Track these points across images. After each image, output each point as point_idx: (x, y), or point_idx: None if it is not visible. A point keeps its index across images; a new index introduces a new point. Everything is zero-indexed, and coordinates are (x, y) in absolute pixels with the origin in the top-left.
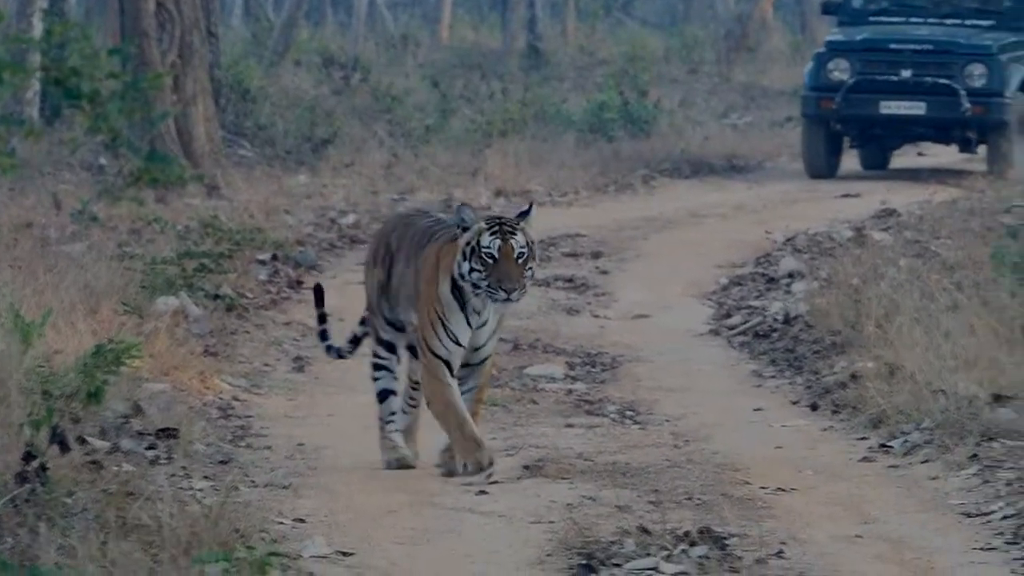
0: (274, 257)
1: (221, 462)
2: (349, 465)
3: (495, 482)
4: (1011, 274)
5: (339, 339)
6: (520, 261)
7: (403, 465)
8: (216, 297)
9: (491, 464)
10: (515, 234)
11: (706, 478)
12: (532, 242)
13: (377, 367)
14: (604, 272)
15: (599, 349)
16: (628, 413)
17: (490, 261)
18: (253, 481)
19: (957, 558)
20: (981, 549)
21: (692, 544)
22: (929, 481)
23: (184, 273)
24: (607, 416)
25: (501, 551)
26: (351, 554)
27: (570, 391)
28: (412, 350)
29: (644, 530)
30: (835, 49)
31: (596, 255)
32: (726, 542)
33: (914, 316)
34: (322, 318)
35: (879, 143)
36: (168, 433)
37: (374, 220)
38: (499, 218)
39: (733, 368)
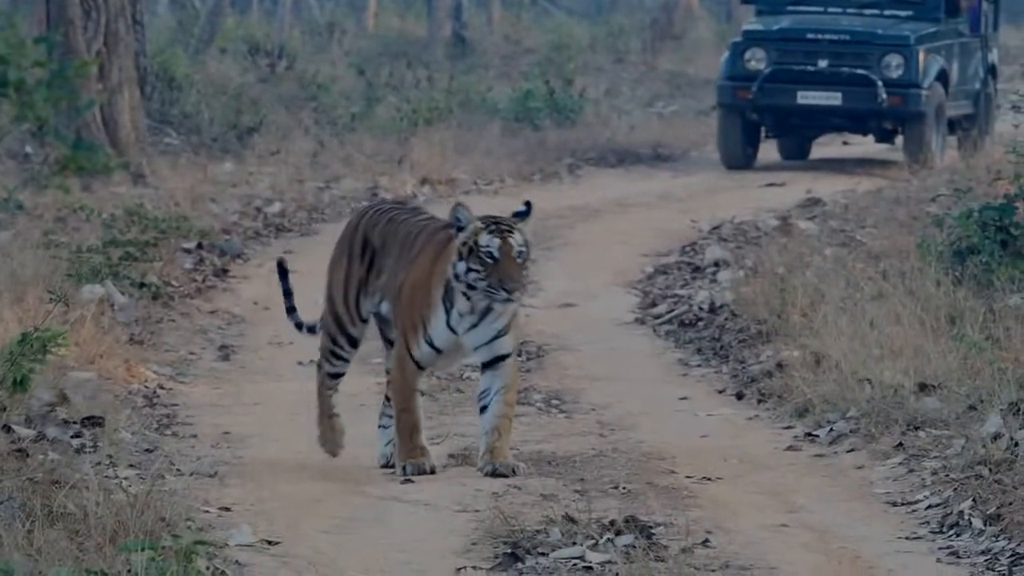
0: (199, 246)
1: (147, 451)
2: (275, 454)
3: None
4: (936, 263)
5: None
6: (519, 260)
7: (334, 432)
8: (142, 286)
9: (432, 471)
10: (513, 233)
11: (632, 467)
12: (528, 242)
13: (336, 356)
14: (530, 261)
15: (525, 338)
16: (554, 402)
17: (490, 261)
18: (179, 470)
19: (882, 547)
20: (906, 538)
21: (618, 533)
22: (855, 470)
23: (110, 261)
24: (533, 405)
25: (427, 540)
26: (277, 543)
27: None
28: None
29: (570, 519)
30: (752, 38)
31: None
32: (652, 531)
33: (840, 305)
34: (288, 293)
35: (796, 133)
36: (94, 421)
37: (300, 208)
38: (495, 217)
39: (659, 357)
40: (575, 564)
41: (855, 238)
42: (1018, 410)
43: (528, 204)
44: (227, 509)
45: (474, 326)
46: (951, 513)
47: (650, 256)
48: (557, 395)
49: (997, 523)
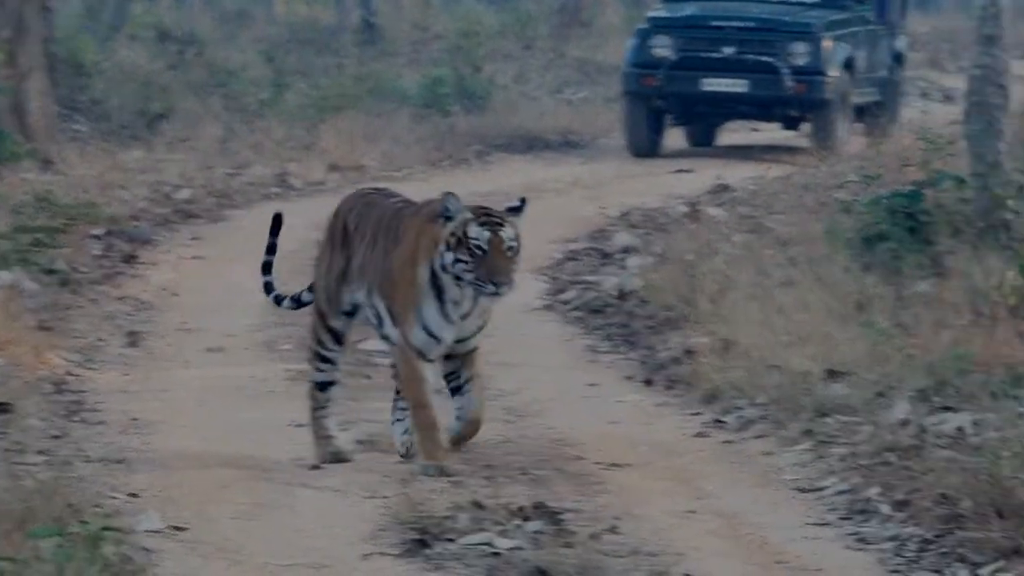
0: (108, 232)
1: (55, 437)
2: (183, 440)
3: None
4: (845, 250)
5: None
6: (509, 254)
7: (338, 459)
8: (50, 272)
9: (452, 474)
10: (503, 226)
11: (541, 453)
12: (519, 236)
13: (322, 358)
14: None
15: None
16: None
17: (479, 253)
18: (87, 456)
19: (790, 533)
20: (814, 524)
21: (526, 519)
22: (763, 456)
23: (18, 247)
24: (442, 392)
25: (335, 526)
26: (185, 529)
27: None
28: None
29: (478, 505)
30: (658, 25)
31: None
32: (560, 517)
33: (748, 292)
34: (271, 248)
35: (702, 121)
36: (2, 408)
37: (209, 195)
38: (487, 209)
39: (568, 343)
40: (483, 550)
41: (764, 224)
42: (926, 396)
43: (523, 200)
44: (135, 495)
45: (466, 315)
46: (859, 499)
47: (559, 242)
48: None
49: (905, 509)
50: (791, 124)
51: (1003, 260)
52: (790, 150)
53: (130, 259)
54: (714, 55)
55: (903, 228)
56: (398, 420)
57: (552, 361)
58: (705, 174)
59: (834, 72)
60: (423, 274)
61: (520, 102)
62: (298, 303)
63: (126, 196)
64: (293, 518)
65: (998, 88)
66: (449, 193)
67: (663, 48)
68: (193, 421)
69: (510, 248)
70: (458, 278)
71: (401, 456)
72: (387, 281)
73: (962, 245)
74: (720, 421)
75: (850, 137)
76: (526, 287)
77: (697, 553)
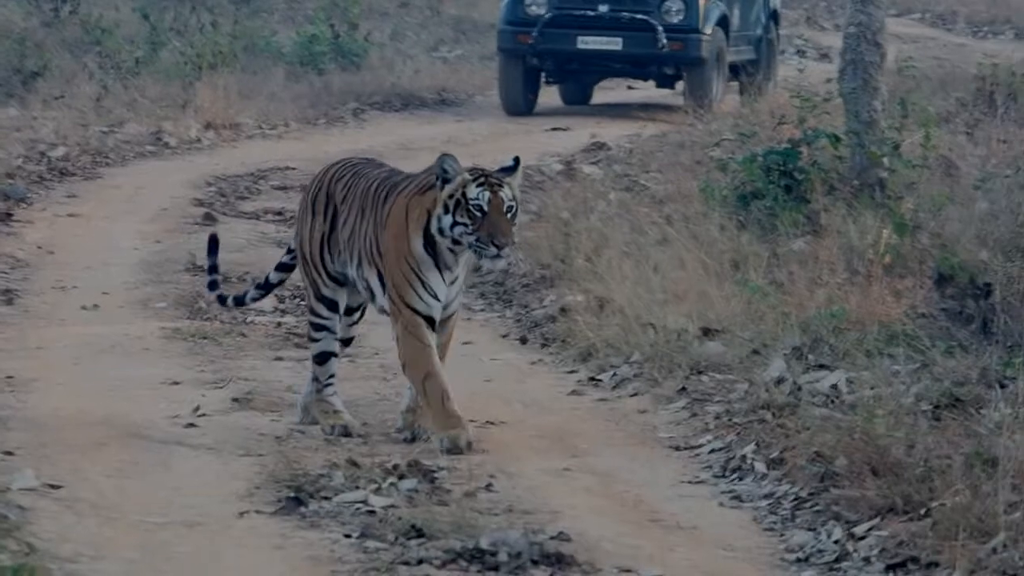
0: None
1: None
2: (58, 398)
3: (202, 415)
4: (720, 208)
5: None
6: (509, 215)
7: (345, 432)
8: None
9: (468, 446)
10: (503, 186)
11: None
12: (517, 197)
13: (317, 327)
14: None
15: (296, 283)
16: None
17: (478, 214)
18: None
19: (665, 491)
20: (689, 482)
21: (401, 477)
22: (638, 415)
23: None
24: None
25: (210, 484)
26: (60, 487)
27: (279, 324)
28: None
29: (353, 463)
30: None
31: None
32: (435, 475)
33: (624, 250)
34: (213, 269)
35: (577, 79)
36: None
37: (83, 152)
38: (483, 170)
39: None
40: (358, 508)
41: (639, 182)
42: (801, 354)
43: (516, 159)
44: (10, 453)
45: (454, 281)
46: (734, 457)
47: None
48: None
49: (780, 467)
50: (666, 82)
51: (878, 218)
52: (666, 108)
53: (5, 217)
54: (589, 13)
55: (778, 186)
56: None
57: None
58: (581, 132)
59: (709, 30)
60: (417, 245)
61: (396, 60)
62: (265, 288)
63: (0, 154)
64: (168, 476)
65: (873, 46)
66: (445, 154)
67: (538, 5)
68: (68, 379)
69: (509, 208)
70: (456, 242)
71: (405, 439)
72: (379, 254)
73: (837, 203)
74: (595, 379)
75: (725, 95)
76: None
77: (572, 511)
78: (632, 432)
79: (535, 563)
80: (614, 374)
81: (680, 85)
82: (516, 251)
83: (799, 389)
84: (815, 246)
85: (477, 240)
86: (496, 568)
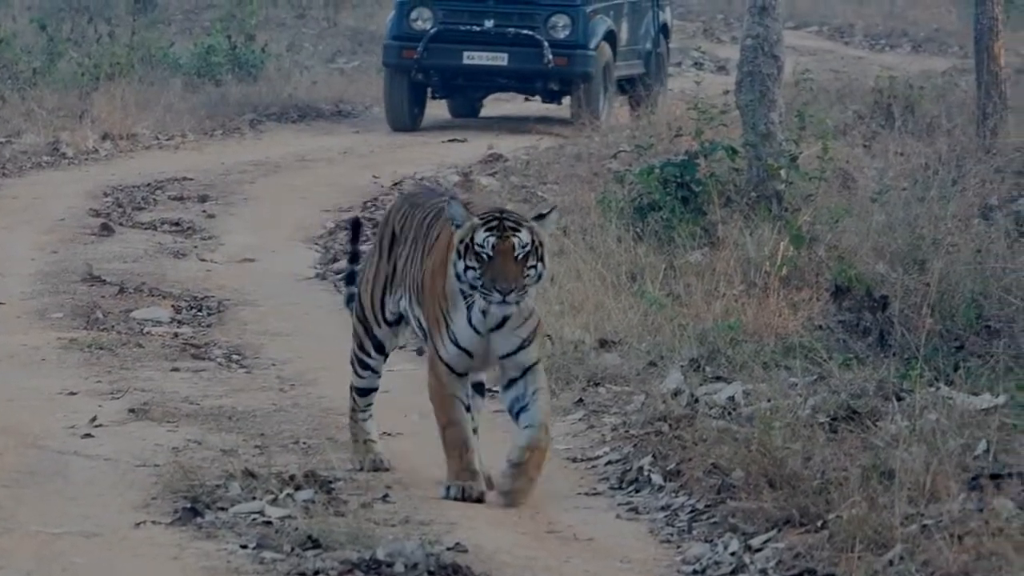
0: None
1: None
2: None
3: (99, 425)
4: (617, 219)
5: None
6: (519, 259)
7: (376, 467)
8: None
9: (478, 500)
10: (518, 230)
11: (312, 422)
12: (540, 243)
13: (363, 365)
14: (211, 216)
15: (205, 293)
16: (234, 357)
17: (484, 258)
18: None
19: (562, 503)
20: (587, 494)
21: (298, 488)
22: None
23: None
24: (213, 360)
25: (106, 495)
26: None
27: (176, 335)
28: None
29: (250, 474)
30: None
31: (203, 199)
32: (332, 486)
33: None
34: (354, 257)
35: (463, 93)
36: None
37: None
38: (500, 212)
39: (339, 312)
40: (255, 519)
41: (536, 194)
42: (698, 366)
43: (553, 207)
44: None
45: (497, 328)
46: (631, 469)
47: (331, 212)
48: (237, 350)
49: (676, 479)
50: (553, 97)
51: (775, 230)
52: (561, 121)
53: None
54: (474, 28)
55: (675, 198)
56: None
57: (324, 330)
58: (478, 143)
59: (595, 45)
60: (452, 283)
61: (293, 71)
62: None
63: None
64: (65, 486)
65: (771, 58)
66: (452, 198)
67: (423, 20)
68: None
69: (520, 253)
70: (471, 287)
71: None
72: (421, 290)
73: (734, 215)
74: (491, 390)
75: (612, 110)
76: (298, 256)
77: (469, 522)
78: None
79: (431, 574)
80: None
81: (567, 100)
82: (526, 297)
83: (696, 401)
84: (712, 258)
85: (482, 285)
86: None
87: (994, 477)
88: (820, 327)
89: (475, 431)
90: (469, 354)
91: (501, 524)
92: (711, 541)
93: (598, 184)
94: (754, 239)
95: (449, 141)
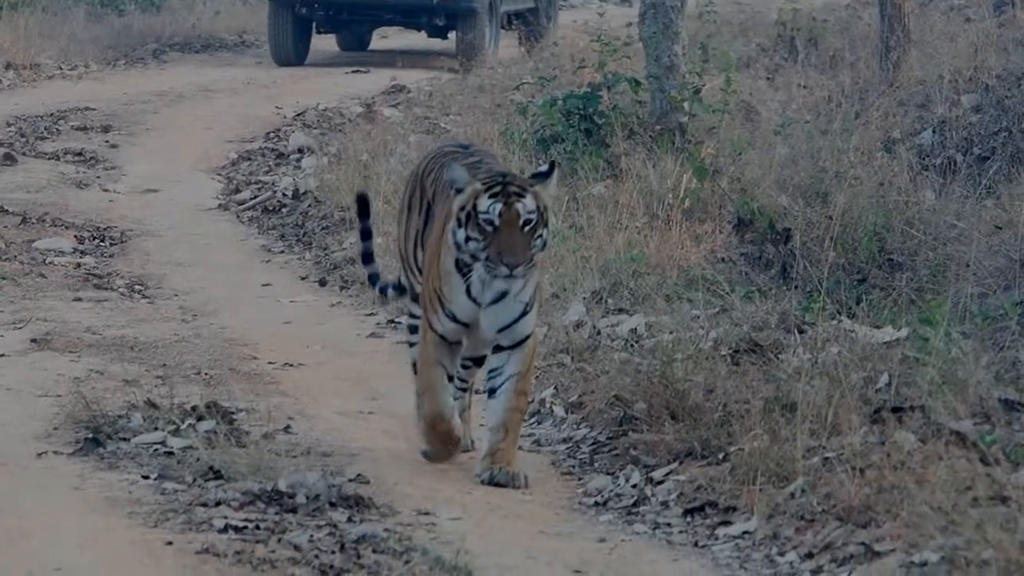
0: None
1: None
2: None
3: (2, 355)
4: (520, 151)
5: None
6: (526, 229)
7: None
8: None
9: (446, 458)
10: (523, 196)
11: (214, 353)
12: (544, 207)
13: (414, 329)
14: (114, 146)
15: (108, 223)
16: (137, 288)
17: (489, 229)
18: None
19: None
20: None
21: (199, 419)
22: None
23: None
24: (116, 290)
25: (8, 425)
26: None
27: (79, 265)
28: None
29: (152, 404)
30: None
31: (106, 129)
32: (234, 417)
33: None
34: (366, 232)
35: (348, 28)
36: None
37: None
38: (503, 176)
39: (242, 243)
40: (156, 449)
41: (439, 125)
42: (600, 299)
43: (552, 164)
44: None
45: (498, 299)
46: (532, 401)
47: (234, 142)
48: (140, 280)
49: (578, 411)
50: (438, 32)
51: (678, 163)
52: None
53: None
54: None
55: (578, 130)
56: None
57: (226, 261)
58: (381, 75)
59: None
60: (448, 259)
61: (196, 2)
62: (400, 289)
63: None
64: None
65: None
66: (452, 161)
67: None
68: None
69: (527, 222)
70: (473, 257)
71: (482, 482)
72: (425, 254)
73: (637, 147)
74: (394, 322)
75: (498, 46)
76: (201, 187)
77: (370, 453)
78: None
79: (333, 505)
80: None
81: (453, 35)
82: (534, 270)
83: (598, 333)
84: (615, 190)
85: (487, 257)
86: (294, 510)
87: (896, 410)
88: (723, 260)
89: (467, 407)
90: (465, 325)
91: (402, 456)
92: (613, 473)
93: (501, 116)
94: (657, 171)
95: (352, 72)
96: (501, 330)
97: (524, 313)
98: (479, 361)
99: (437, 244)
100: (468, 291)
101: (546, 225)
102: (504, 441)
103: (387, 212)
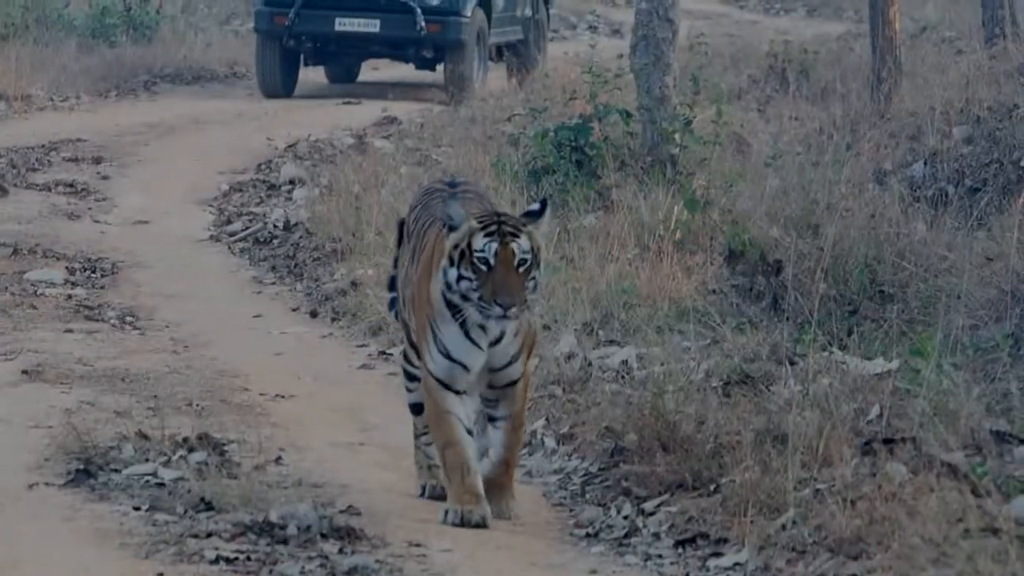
0: None
1: None
2: None
3: None
4: (511, 183)
5: None
6: (521, 270)
7: (436, 495)
8: None
9: (479, 525)
10: (518, 236)
11: (205, 384)
12: (538, 248)
13: (410, 377)
14: (105, 177)
15: (99, 254)
16: (128, 319)
17: (483, 268)
18: None
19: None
20: (480, 457)
21: (191, 450)
22: None
23: None
24: (107, 322)
25: None
26: None
27: (70, 296)
28: None
29: (143, 435)
30: None
31: (97, 160)
32: (225, 448)
33: None
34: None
35: (336, 60)
36: None
37: None
38: (498, 216)
39: (233, 274)
40: (148, 480)
41: (431, 157)
42: (591, 330)
43: (543, 202)
44: None
45: (497, 340)
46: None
47: (226, 174)
48: (131, 312)
49: (570, 442)
50: (426, 64)
51: (669, 194)
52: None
53: None
54: None
55: (570, 161)
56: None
57: (217, 292)
58: (372, 106)
59: (469, 12)
60: (436, 291)
61: (188, 33)
62: None
63: None
64: None
65: (666, 22)
66: (451, 198)
67: None
68: None
69: (522, 262)
70: (464, 298)
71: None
72: (412, 295)
73: (628, 179)
74: (385, 353)
75: (486, 77)
76: (192, 218)
77: (361, 484)
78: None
79: (324, 537)
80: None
81: (441, 67)
82: (528, 310)
83: (589, 364)
84: (606, 222)
85: (480, 298)
86: (285, 541)
87: (887, 442)
88: (714, 291)
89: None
90: (465, 367)
91: (394, 487)
92: (604, 505)
93: (492, 147)
94: (648, 203)
95: (344, 103)
96: (496, 370)
97: (516, 356)
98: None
99: (427, 273)
100: (466, 332)
101: (539, 267)
102: (506, 475)
103: (378, 244)
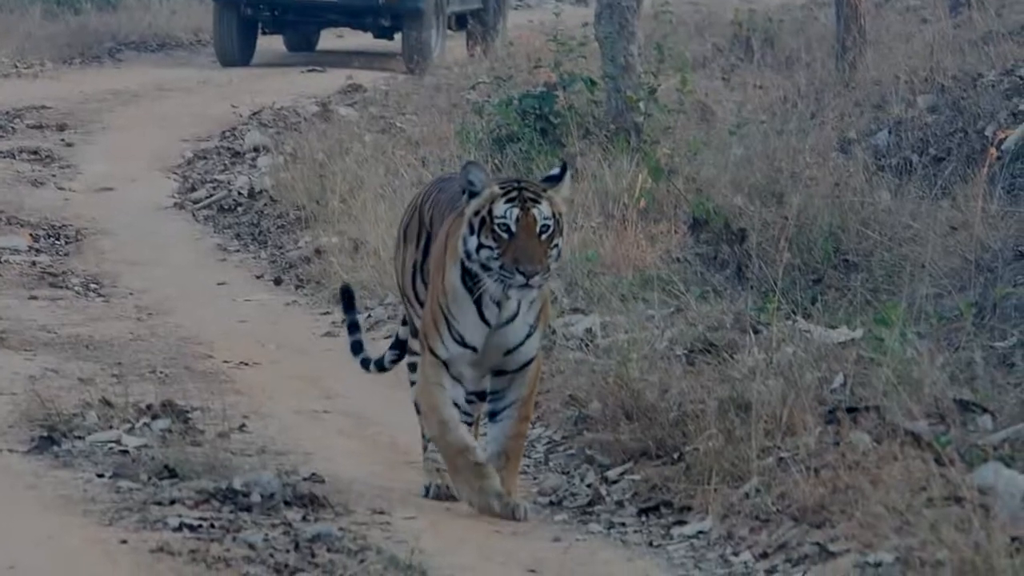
0: None
1: None
2: None
3: None
4: (476, 151)
5: (373, 350)
6: (543, 236)
7: (440, 495)
8: None
9: (500, 498)
10: (539, 202)
11: (169, 352)
12: (560, 213)
13: (413, 368)
14: (69, 144)
15: (64, 222)
16: (92, 286)
17: (504, 236)
18: None
19: (419, 434)
20: None
21: (155, 417)
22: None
23: None
24: (71, 289)
25: None
26: None
27: (34, 263)
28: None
29: (107, 403)
30: None
31: (61, 127)
32: (189, 415)
33: (379, 191)
34: (353, 327)
35: (294, 29)
36: None
37: None
38: (518, 181)
39: (197, 242)
40: (111, 448)
41: (395, 125)
42: (556, 298)
43: (564, 165)
44: None
45: (511, 319)
46: None
47: (190, 141)
48: (95, 279)
49: (534, 410)
50: (384, 33)
51: (633, 162)
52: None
53: None
54: None
55: (534, 129)
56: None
57: (181, 260)
58: (337, 74)
59: None
60: (453, 276)
61: (153, 1)
62: (399, 348)
63: None
64: None
65: None
66: (471, 162)
67: None
68: None
69: (544, 228)
70: (485, 267)
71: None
72: (408, 284)
73: (593, 147)
74: None
75: (445, 46)
76: (156, 185)
77: (325, 451)
78: (389, 376)
79: (288, 504)
80: (368, 315)
81: (399, 36)
82: (551, 277)
83: (554, 333)
84: (570, 190)
85: (501, 266)
86: (249, 509)
87: (851, 411)
88: (678, 260)
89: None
90: (473, 350)
91: (357, 454)
92: (567, 472)
93: (457, 115)
94: (612, 171)
95: (308, 71)
96: (507, 352)
97: (529, 334)
98: (483, 395)
99: (441, 259)
100: (481, 312)
101: (561, 233)
102: (506, 469)
103: (342, 211)
